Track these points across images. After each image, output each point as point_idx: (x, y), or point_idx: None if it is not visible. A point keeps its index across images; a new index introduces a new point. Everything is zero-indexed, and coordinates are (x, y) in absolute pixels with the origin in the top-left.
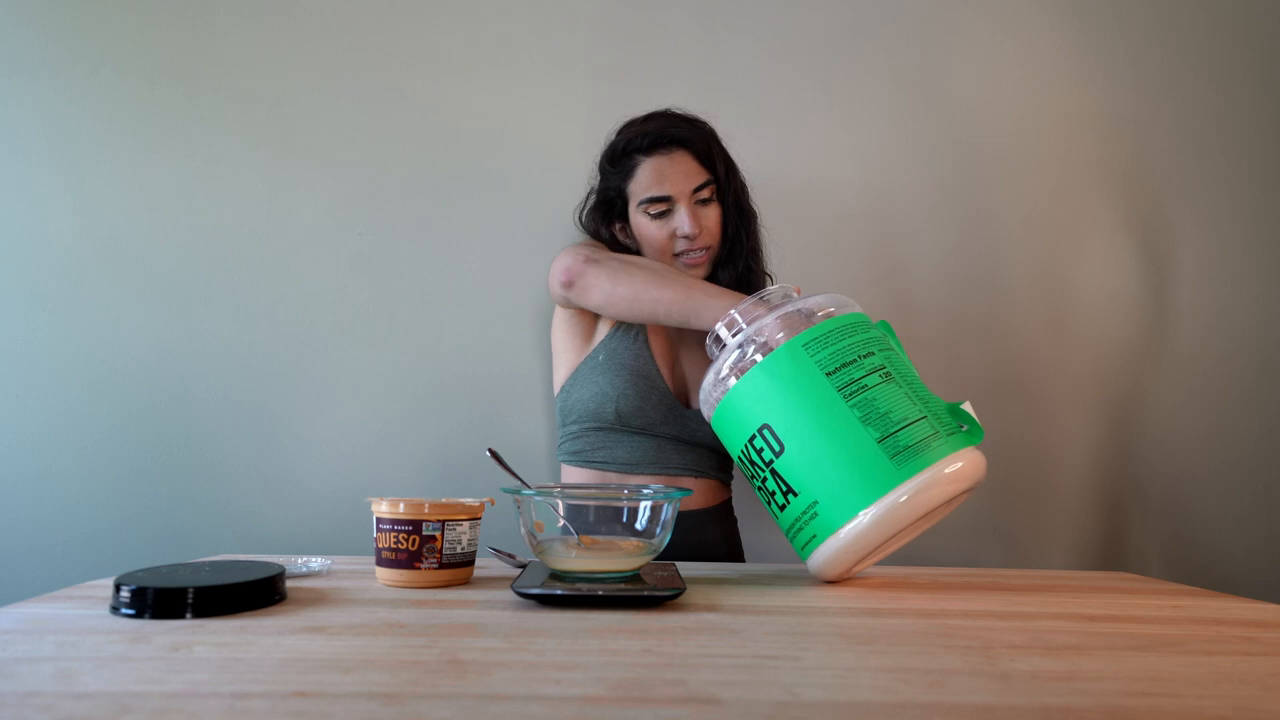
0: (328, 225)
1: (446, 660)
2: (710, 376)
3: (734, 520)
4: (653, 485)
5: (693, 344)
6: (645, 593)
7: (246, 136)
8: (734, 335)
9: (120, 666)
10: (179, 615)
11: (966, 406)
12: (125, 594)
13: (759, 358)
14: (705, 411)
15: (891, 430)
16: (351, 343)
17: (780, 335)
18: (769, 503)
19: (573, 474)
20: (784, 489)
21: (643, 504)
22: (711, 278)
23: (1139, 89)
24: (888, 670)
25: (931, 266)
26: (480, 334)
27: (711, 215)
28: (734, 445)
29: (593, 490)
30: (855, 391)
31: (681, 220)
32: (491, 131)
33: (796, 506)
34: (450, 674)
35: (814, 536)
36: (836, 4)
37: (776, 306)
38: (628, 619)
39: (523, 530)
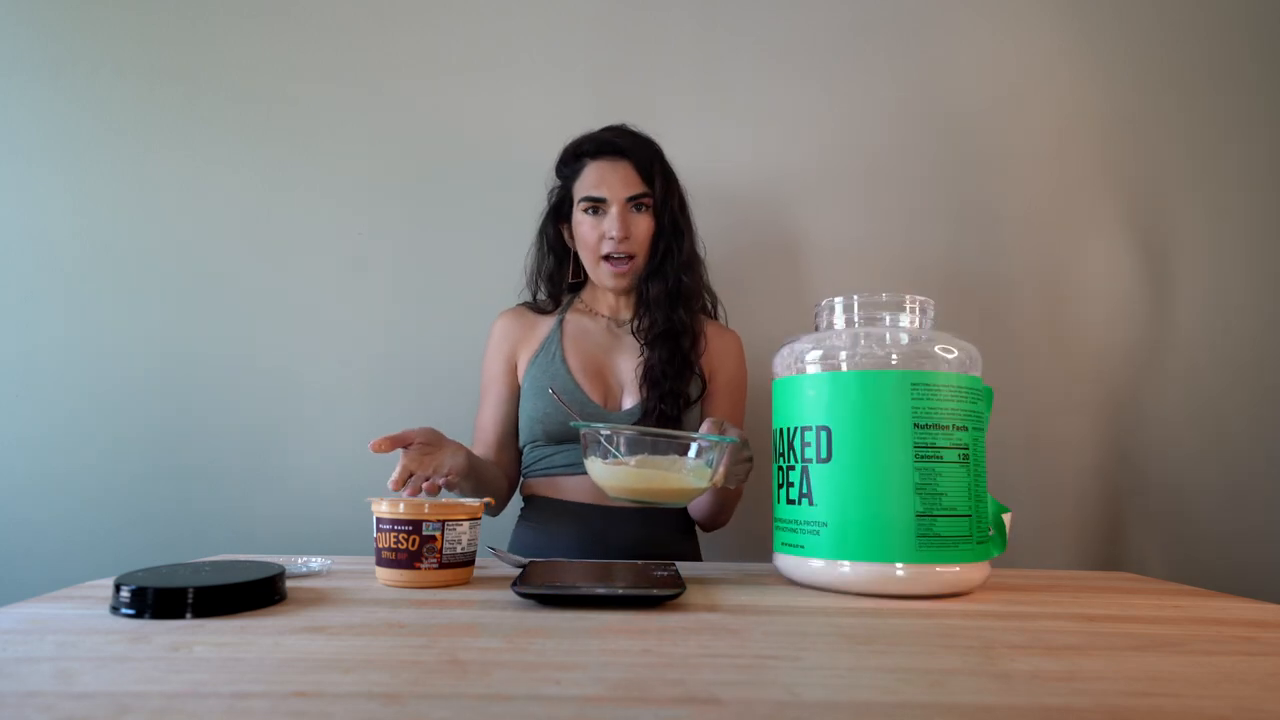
0: (328, 225)
1: (446, 660)
2: (804, 344)
3: (689, 519)
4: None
5: (625, 347)
6: (645, 593)
7: (246, 136)
8: (846, 323)
9: (120, 666)
10: (179, 615)
11: (1007, 519)
12: (125, 594)
13: (857, 363)
14: (776, 366)
15: (935, 513)
16: (351, 343)
17: (895, 359)
18: (780, 486)
19: (533, 484)
20: (804, 491)
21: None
22: (641, 289)
23: (1139, 89)
24: (888, 670)
25: (930, 265)
26: (480, 334)
27: (642, 225)
28: (782, 417)
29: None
30: (928, 457)
31: (611, 222)
32: (491, 131)
33: (804, 513)
34: (450, 674)
35: (801, 546)
36: (836, 4)
37: (897, 319)
38: (628, 619)
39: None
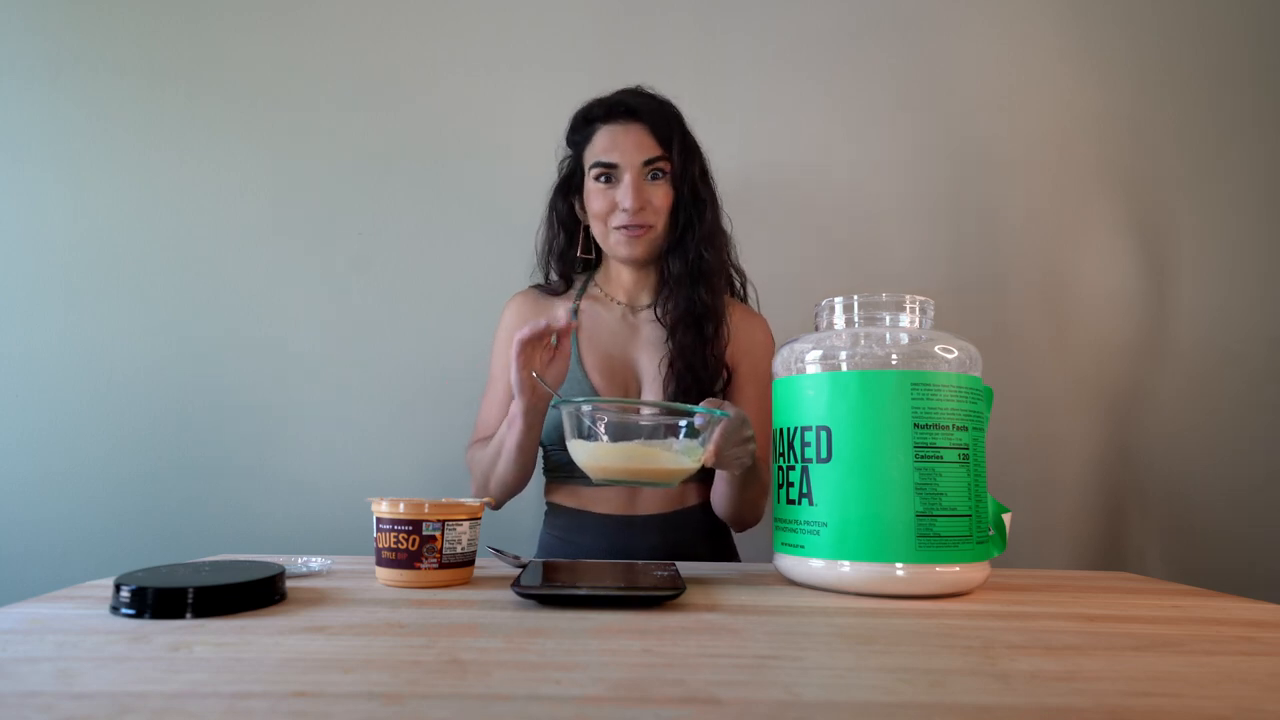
0: (328, 225)
1: (446, 660)
2: (803, 344)
3: (716, 519)
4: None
5: (644, 339)
6: (645, 593)
7: (246, 136)
8: (846, 323)
9: (120, 666)
10: (179, 615)
11: (1007, 519)
12: (125, 594)
13: (857, 363)
14: (776, 366)
15: (935, 513)
16: (351, 343)
17: (895, 359)
18: (781, 485)
19: (554, 490)
20: (804, 491)
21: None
22: (661, 263)
23: (1139, 89)
24: (888, 670)
25: (931, 265)
26: (480, 334)
27: (659, 193)
28: (782, 417)
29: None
30: (928, 457)
31: (624, 192)
32: (491, 132)
33: (805, 513)
34: (450, 674)
35: (801, 546)
36: (836, 4)
37: (897, 318)
38: (628, 619)
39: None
